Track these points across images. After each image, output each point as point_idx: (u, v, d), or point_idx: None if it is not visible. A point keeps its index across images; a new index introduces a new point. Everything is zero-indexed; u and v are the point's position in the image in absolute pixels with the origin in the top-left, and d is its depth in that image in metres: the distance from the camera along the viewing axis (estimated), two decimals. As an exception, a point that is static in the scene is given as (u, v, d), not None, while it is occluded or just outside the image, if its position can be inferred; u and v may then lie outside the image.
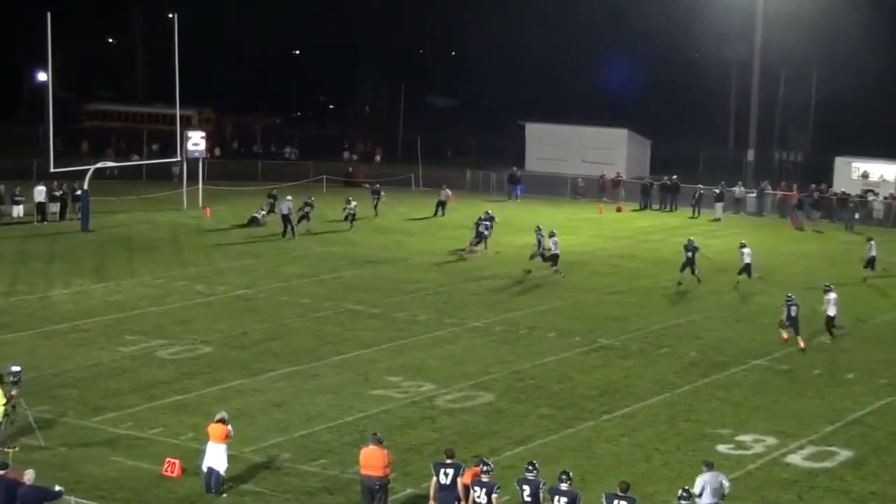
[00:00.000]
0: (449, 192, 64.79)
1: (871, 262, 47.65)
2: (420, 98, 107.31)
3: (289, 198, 56.78)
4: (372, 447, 22.79)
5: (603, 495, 21.03)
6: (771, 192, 69.47)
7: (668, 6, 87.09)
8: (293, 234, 54.86)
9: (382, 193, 63.97)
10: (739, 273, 45.29)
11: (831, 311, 37.83)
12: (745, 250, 45.40)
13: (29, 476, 21.39)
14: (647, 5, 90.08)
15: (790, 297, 37.35)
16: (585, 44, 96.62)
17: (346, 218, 58.31)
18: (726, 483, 22.39)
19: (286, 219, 55.29)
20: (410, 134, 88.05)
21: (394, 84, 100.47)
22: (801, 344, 36.58)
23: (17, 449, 25.16)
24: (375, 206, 62.89)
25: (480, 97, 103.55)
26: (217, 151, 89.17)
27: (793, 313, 36.78)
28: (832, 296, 37.86)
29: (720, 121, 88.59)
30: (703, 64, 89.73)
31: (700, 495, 21.87)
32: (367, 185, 76.05)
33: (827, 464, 26.95)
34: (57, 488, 21.50)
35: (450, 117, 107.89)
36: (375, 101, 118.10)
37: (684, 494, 20.59)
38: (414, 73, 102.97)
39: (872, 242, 48.12)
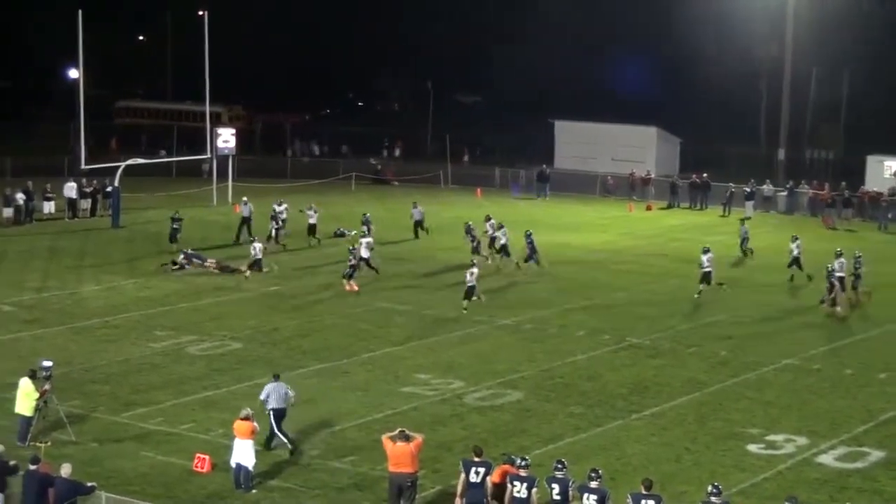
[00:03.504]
0: (421, 209, 56.35)
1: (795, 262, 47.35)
2: (448, 96, 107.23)
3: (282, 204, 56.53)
4: (400, 444, 22.76)
5: (629, 496, 20.91)
6: (802, 190, 69.12)
7: (699, 4, 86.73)
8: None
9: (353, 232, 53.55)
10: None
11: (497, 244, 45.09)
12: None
13: (65, 470, 21.55)
14: (678, 3, 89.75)
15: (352, 250, 43.98)
16: (615, 41, 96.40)
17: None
18: (291, 393, 26.36)
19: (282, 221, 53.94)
20: (439, 131, 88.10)
21: (422, 81, 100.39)
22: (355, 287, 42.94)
23: (48, 444, 25.29)
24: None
25: (509, 94, 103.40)
26: (292, 153, 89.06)
27: (365, 255, 44.44)
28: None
29: (751, 119, 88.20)
30: (733, 62, 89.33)
31: (268, 399, 25.91)
32: (396, 184, 76.24)
33: (859, 464, 26.78)
34: (89, 484, 21.62)
35: (478, 115, 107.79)
36: (403, 99, 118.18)
37: (714, 492, 20.51)
38: (442, 70, 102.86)
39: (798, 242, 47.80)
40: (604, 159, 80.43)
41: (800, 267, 46.66)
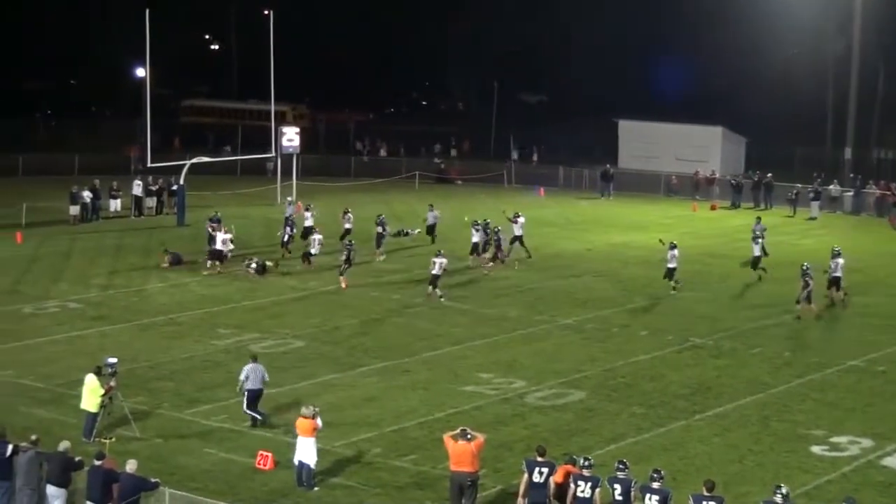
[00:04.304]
0: (437, 213, 54.48)
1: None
2: (513, 95, 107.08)
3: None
4: (461, 443, 22.75)
5: (690, 497, 20.77)
6: (869, 190, 68.33)
7: (764, 1, 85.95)
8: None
9: (415, 231, 54.24)
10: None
11: None
12: None
13: (131, 465, 21.74)
14: (744, 0, 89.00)
15: (348, 246, 44.17)
16: (679, 39, 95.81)
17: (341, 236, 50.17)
18: (266, 377, 28.29)
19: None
20: (503, 131, 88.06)
21: (487, 80, 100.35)
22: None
23: (113, 440, 25.54)
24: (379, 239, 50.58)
25: (573, 94, 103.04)
26: (359, 151, 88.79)
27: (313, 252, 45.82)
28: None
29: (817, 118, 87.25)
30: (800, 60, 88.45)
31: (247, 379, 27.88)
32: (460, 182, 76.25)
33: (925, 467, 26.51)
34: (153, 480, 21.81)
35: (542, 114, 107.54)
36: (468, 98, 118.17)
37: (778, 493, 20.36)
38: (508, 69, 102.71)
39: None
40: (668, 159, 79.83)
41: (754, 266, 46.15)
